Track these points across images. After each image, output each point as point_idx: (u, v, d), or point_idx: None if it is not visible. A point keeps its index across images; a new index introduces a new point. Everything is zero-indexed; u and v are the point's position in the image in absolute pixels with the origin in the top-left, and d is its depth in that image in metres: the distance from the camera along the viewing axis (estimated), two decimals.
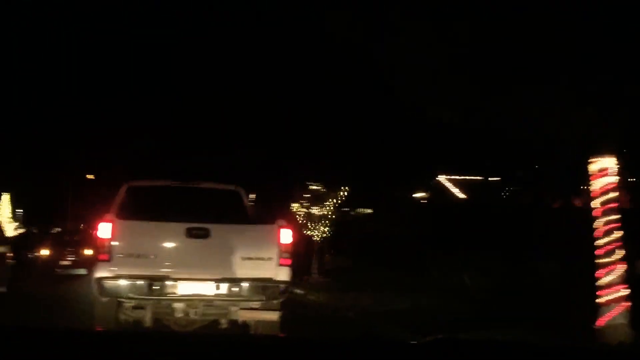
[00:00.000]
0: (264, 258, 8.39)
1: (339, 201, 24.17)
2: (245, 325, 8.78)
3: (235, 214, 9.47)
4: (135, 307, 8.48)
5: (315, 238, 24.13)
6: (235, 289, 8.19)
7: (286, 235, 8.47)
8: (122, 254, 8.18)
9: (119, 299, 8.38)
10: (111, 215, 8.48)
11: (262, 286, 8.25)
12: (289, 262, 8.51)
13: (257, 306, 8.50)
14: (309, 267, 23.76)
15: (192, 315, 8.31)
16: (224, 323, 8.71)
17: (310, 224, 24.05)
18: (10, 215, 66.53)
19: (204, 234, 8.26)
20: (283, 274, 8.45)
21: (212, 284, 8.15)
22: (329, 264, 25.55)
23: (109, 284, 8.09)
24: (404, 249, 23.48)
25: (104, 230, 8.15)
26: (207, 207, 9.47)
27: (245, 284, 8.19)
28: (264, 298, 8.32)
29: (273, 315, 8.41)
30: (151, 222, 8.59)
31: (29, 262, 27.04)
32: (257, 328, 8.62)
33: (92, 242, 9.91)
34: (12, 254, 18.52)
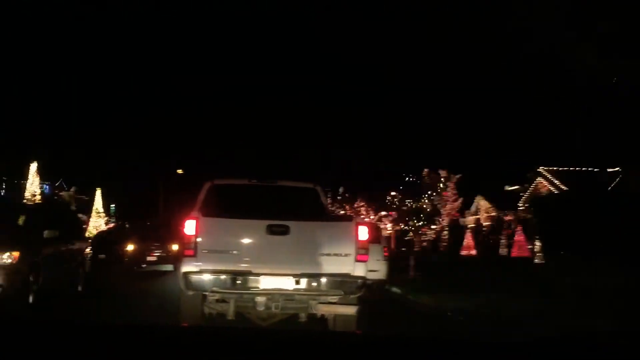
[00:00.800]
0: (341, 254, 8.52)
1: (437, 193, 22.60)
2: (323, 319, 9.10)
3: (313, 211, 9.80)
4: (219, 301, 8.72)
5: (410, 233, 22.64)
6: (314, 284, 8.38)
7: (363, 232, 8.62)
8: (206, 249, 8.45)
9: (203, 293, 8.64)
10: (196, 212, 8.75)
11: (340, 281, 8.39)
12: (366, 258, 8.64)
13: (335, 300, 8.66)
14: (406, 264, 22.33)
15: (273, 309, 8.51)
16: (303, 317, 8.99)
17: (407, 217, 22.58)
18: (103, 210, 67.94)
19: (284, 231, 8.48)
20: (360, 270, 8.56)
21: (292, 279, 8.34)
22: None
23: (195, 278, 8.39)
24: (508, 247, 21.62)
25: (190, 226, 8.43)
26: (287, 204, 9.89)
27: (323, 279, 8.37)
28: (342, 293, 8.46)
29: (350, 310, 8.61)
30: (233, 219, 8.84)
31: (117, 258, 26.69)
32: (335, 322, 8.96)
33: (178, 238, 10.08)
34: (90, 252, 18.18)
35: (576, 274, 16.21)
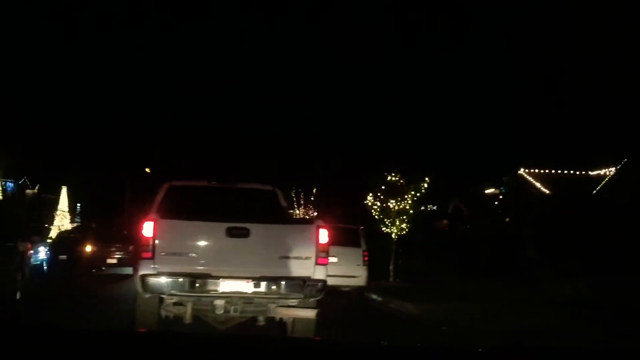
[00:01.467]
0: (302, 257, 8.47)
1: (419, 195, 21.18)
2: (282, 322, 9.08)
3: (273, 214, 9.80)
4: (176, 304, 8.70)
5: (393, 236, 21.19)
6: (274, 287, 8.35)
7: (324, 235, 8.56)
8: (164, 252, 8.33)
9: (161, 296, 8.59)
10: (154, 214, 8.69)
11: (300, 284, 8.36)
12: (326, 261, 8.60)
13: (294, 304, 8.65)
14: (386, 269, 20.89)
15: (232, 312, 8.47)
16: (261, 320, 8.93)
17: (386, 219, 21.11)
18: (68, 209, 65.87)
19: (244, 234, 8.41)
20: (320, 273, 8.52)
21: (252, 282, 8.29)
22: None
23: (152, 280, 8.26)
24: (495, 251, 20.34)
25: (147, 228, 8.34)
26: (246, 207, 9.92)
27: (283, 282, 8.35)
28: (302, 296, 8.43)
29: (310, 313, 8.61)
30: (193, 221, 8.74)
31: (78, 259, 24.91)
32: (294, 326, 8.97)
33: (136, 240, 9.77)
34: (31, 252, 16.98)
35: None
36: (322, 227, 8.67)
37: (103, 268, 21.31)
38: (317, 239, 8.53)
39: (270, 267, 8.44)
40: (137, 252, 9.20)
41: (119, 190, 57.52)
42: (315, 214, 54.65)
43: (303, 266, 8.43)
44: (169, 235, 8.50)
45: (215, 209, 9.55)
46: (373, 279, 18.60)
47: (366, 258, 17.37)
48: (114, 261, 21.08)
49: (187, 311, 8.65)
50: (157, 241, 8.34)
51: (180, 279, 8.22)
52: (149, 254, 8.30)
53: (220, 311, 8.48)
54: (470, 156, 41.66)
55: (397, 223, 21.29)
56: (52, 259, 25.99)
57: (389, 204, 21.14)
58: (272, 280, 8.34)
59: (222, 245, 8.50)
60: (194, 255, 8.46)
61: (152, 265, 8.30)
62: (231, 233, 8.40)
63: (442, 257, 29.10)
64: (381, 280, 20.38)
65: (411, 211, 21.39)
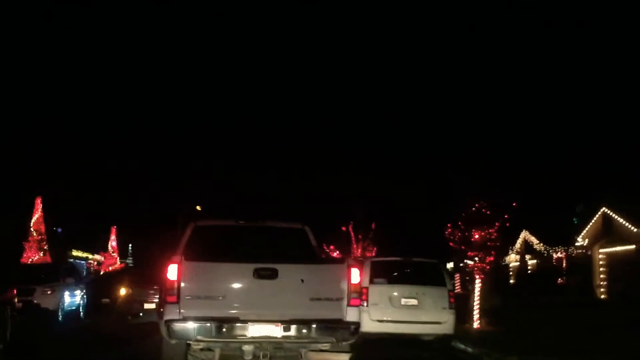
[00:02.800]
0: (333, 298, 8.20)
1: (506, 224, 17.95)
2: None
3: (302, 253, 9.56)
4: (203, 349, 8.51)
5: (477, 270, 17.93)
6: (304, 331, 8.03)
7: (355, 275, 8.28)
8: (189, 295, 8.10)
9: (187, 342, 8.36)
10: (178, 256, 8.36)
11: (332, 327, 8.07)
12: (359, 302, 8.33)
13: (326, 348, 8.40)
14: (466, 309, 17.64)
15: (261, 358, 8.23)
16: None
17: (469, 252, 17.88)
18: (118, 248, 63.73)
19: (271, 275, 8.14)
20: (353, 315, 8.20)
21: (281, 326, 7.97)
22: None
23: (178, 326, 8.00)
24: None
25: (172, 271, 8.12)
26: (274, 246, 9.58)
27: (314, 325, 8.01)
28: (334, 340, 8.17)
29: (343, 357, 8.44)
30: (218, 262, 8.51)
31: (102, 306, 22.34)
32: None
33: (161, 283, 8.99)
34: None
35: None
36: (354, 267, 8.38)
37: (141, 314, 18.49)
38: (349, 279, 8.24)
39: (300, 309, 8.18)
40: (161, 296, 8.85)
41: (171, 228, 55.89)
42: (374, 250, 51.89)
43: (334, 308, 8.18)
44: (194, 278, 8.23)
45: (242, 249, 9.28)
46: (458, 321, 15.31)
47: (452, 299, 14.20)
48: (153, 306, 18.37)
49: (215, 356, 8.56)
50: (182, 284, 8.09)
51: (207, 324, 7.98)
52: (174, 298, 8.07)
53: (249, 357, 8.27)
54: (537, 178, 37.66)
55: (482, 256, 18.02)
56: (91, 303, 23.55)
57: (473, 233, 17.92)
58: (303, 323, 8.05)
59: (250, 287, 8.23)
60: (220, 298, 8.22)
61: (177, 310, 8.05)
62: (259, 274, 8.15)
63: (515, 291, 25.58)
64: (464, 324, 17.04)
65: (497, 243, 18.11)
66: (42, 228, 43.11)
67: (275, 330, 8.03)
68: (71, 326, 19.18)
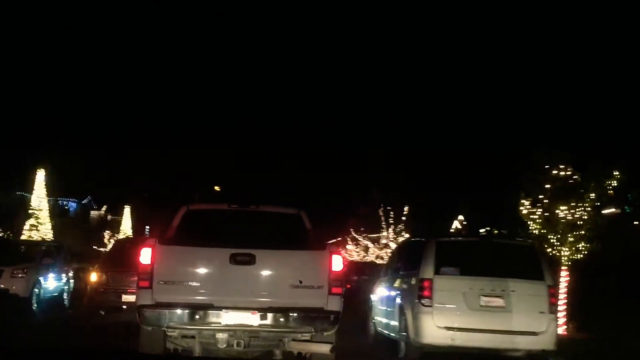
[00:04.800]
0: (313, 286, 7.95)
1: (605, 197, 13.56)
2: (301, 356, 8.46)
3: (291, 239, 8.83)
4: (184, 336, 8.13)
5: (564, 260, 13.55)
6: (282, 319, 7.79)
7: (337, 262, 8.08)
8: (163, 280, 7.92)
9: (159, 328, 8.01)
10: (153, 240, 8.26)
11: (310, 317, 7.83)
12: (340, 290, 8.03)
13: (307, 337, 8.07)
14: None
15: (235, 347, 7.91)
16: (278, 355, 8.36)
17: (553, 235, 13.50)
18: (132, 231, 60.23)
19: (249, 260, 7.95)
20: (334, 304, 7.94)
21: (258, 314, 7.76)
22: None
23: (149, 312, 7.81)
24: None
25: (145, 255, 7.98)
26: (263, 231, 9.04)
27: (292, 314, 7.79)
28: (312, 329, 7.90)
29: (324, 348, 7.98)
30: (194, 247, 8.28)
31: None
32: None
33: (135, 267, 8.41)
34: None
35: None
36: (336, 253, 8.22)
37: (124, 307, 14.18)
38: (330, 266, 8.01)
39: (278, 297, 7.91)
40: (136, 281, 8.43)
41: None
42: (406, 234, 47.79)
43: (315, 296, 7.91)
44: (168, 263, 8.05)
45: (231, 234, 8.67)
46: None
47: (554, 299, 9.91)
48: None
49: (196, 344, 8.13)
50: (155, 269, 7.92)
51: (179, 311, 7.75)
52: (147, 283, 7.90)
53: (222, 345, 7.93)
54: None
55: (571, 240, 13.63)
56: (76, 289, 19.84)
57: (556, 211, 13.53)
58: (280, 311, 7.80)
59: (226, 273, 7.97)
60: (195, 284, 7.97)
61: (150, 295, 7.86)
62: (235, 260, 7.91)
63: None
64: None
65: (590, 223, 13.73)
66: None
67: (251, 319, 7.81)
68: (49, 317, 15.65)
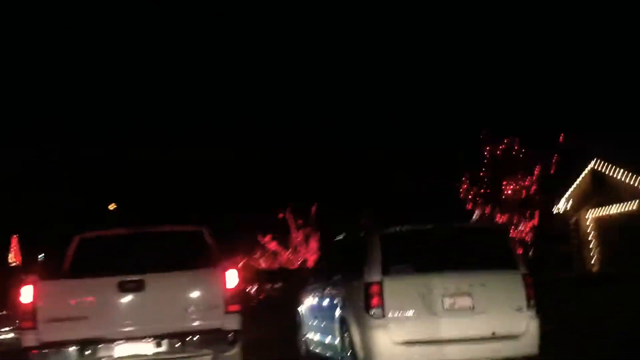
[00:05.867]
0: (208, 306, 7.72)
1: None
2: None
3: (191, 259, 8.41)
4: None
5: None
6: (178, 344, 7.52)
7: (232, 278, 7.83)
8: (48, 318, 7.49)
9: None
10: (33, 276, 7.86)
11: (208, 339, 7.58)
12: (238, 307, 7.79)
13: None
14: None
15: None
16: None
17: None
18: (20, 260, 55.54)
19: (137, 287, 7.63)
20: (231, 322, 7.74)
21: (152, 342, 7.49)
22: None
23: (34, 355, 7.43)
24: None
25: (26, 294, 7.55)
26: (160, 253, 8.57)
27: (187, 338, 7.53)
28: (211, 352, 7.68)
29: None
30: (78, 279, 7.97)
31: None
32: None
33: (17, 306, 8.39)
34: None
35: None
36: (229, 269, 7.90)
37: None
38: (224, 284, 7.77)
39: (173, 322, 7.61)
40: (20, 321, 8.34)
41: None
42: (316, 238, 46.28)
43: (210, 317, 7.66)
44: (52, 299, 7.62)
45: (124, 259, 8.29)
46: None
47: (532, 291, 7.99)
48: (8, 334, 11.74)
49: None
50: (38, 307, 7.47)
51: (68, 349, 7.37)
52: (29, 323, 7.49)
53: None
54: None
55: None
56: None
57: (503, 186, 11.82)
58: (174, 337, 7.51)
59: (116, 302, 7.64)
60: (84, 318, 7.56)
61: (34, 336, 7.45)
62: (124, 287, 7.61)
63: None
64: None
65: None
66: None
67: (145, 348, 7.50)
68: None
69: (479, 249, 8.20)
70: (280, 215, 45.22)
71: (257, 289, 33.85)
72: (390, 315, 7.70)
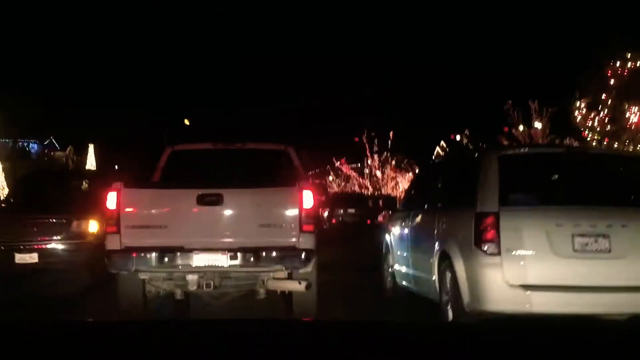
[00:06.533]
0: (283, 225, 7.74)
1: None
2: (286, 295, 8.24)
3: (273, 176, 9.14)
4: (165, 279, 7.95)
5: None
6: (251, 259, 7.55)
7: (308, 198, 7.77)
8: (130, 224, 7.78)
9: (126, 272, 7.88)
10: (118, 183, 7.93)
11: (280, 255, 7.60)
12: (312, 227, 7.70)
13: (282, 276, 7.87)
14: None
15: (205, 288, 7.75)
16: (261, 294, 8.07)
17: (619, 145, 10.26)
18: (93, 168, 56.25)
19: (216, 200, 7.71)
20: (306, 241, 7.67)
21: (227, 254, 7.57)
22: None
23: (116, 257, 7.67)
24: None
25: (111, 199, 7.81)
26: (243, 170, 9.57)
27: (261, 253, 7.56)
28: (283, 268, 7.76)
29: (297, 286, 7.78)
30: (160, 189, 8.55)
31: None
32: (293, 300, 8.12)
33: (102, 213, 8.49)
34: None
35: None
36: (306, 189, 7.83)
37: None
38: (301, 203, 7.72)
39: (248, 236, 7.76)
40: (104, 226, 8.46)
41: (157, 146, 49.00)
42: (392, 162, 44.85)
43: (285, 234, 7.69)
44: (135, 206, 7.92)
45: (214, 174, 9.20)
46: None
47: None
48: (32, 259, 10.25)
49: (176, 287, 7.96)
50: (122, 213, 7.73)
51: (147, 254, 7.58)
52: (114, 228, 7.76)
53: (193, 287, 7.77)
54: None
55: None
56: None
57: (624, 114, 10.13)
58: (249, 251, 7.60)
59: (195, 214, 7.81)
60: (164, 226, 7.81)
61: (118, 240, 7.70)
62: (202, 200, 7.71)
63: None
64: None
65: None
66: None
67: (220, 259, 7.62)
68: None
69: (622, 182, 6.75)
70: (356, 139, 44.02)
71: (329, 212, 32.93)
72: (506, 252, 6.39)
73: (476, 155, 7.33)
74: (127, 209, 7.78)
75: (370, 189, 45.02)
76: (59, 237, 10.50)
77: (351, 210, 33.03)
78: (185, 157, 9.77)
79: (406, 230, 8.95)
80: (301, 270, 7.78)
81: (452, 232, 7.22)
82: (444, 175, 8.32)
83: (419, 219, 8.51)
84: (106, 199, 7.82)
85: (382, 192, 43.60)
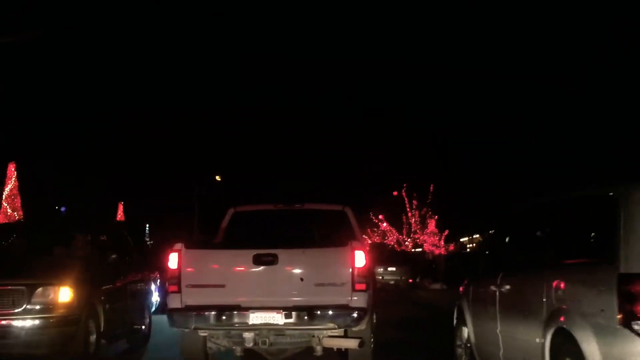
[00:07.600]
0: (337, 283, 7.97)
1: None
2: (341, 351, 8.65)
3: (327, 236, 10.00)
4: (226, 336, 8.31)
5: None
6: (305, 317, 7.84)
7: (360, 258, 8.03)
8: (190, 284, 8.13)
9: (187, 330, 8.29)
10: (180, 244, 8.38)
11: (333, 313, 7.84)
12: (364, 286, 7.95)
13: (336, 334, 8.13)
14: None
15: (260, 345, 8.04)
16: (318, 351, 8.32)
17: None
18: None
19: (272, 260, 8.00)
20: (359, 300, 7.90)
21: (282, 313, 7.86)
22: None
23: (177, 315, 8.03)
24: None
25: (173, 260, 8.18)
26: (302, 229, 10.02)
27: (316, 312, 7.84)
28: (336, 326, 7.96)
29: (353, 343, 8.14)
30: (218, 250, 9.10)
31: None
32: (351, 356, 8.47)
33: (165, 273, 9.32)
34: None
35: None
36: (358, 249, 8.06)
37: None
38: (353, 262, 7.96)
39: (302, 295, 7.97)
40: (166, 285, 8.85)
41: (188, 202, 48.06)
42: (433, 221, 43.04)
43: (338, 293, 7.90)
44: (195, 266, 8.24)
45: (273, 234, 9.65)
46: None
47: None
48: None
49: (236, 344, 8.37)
50: (182, 273, 8.08)
51: (206, 313, 7.93)
52: (175, 287, 8.09)
53: (249, 344, 8.09)
54: None
55: None
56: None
57: None
58: (303, 310, 7.85)
59: (251, 274, 8.13)
60: (222, 286, 8.13)
61: (178, 299, 8.03)
62: (258, 260, 8.01)
63: None
64: None
65: None
66: (18, 201, 35.48)
67: (276, 317, 7.87)
68: None
69: None
70: (395, 193, 42.17)
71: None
72: None
73: (603, 195, 5.36)
74: (188, 269, 8.09)
75: (410, 245, 43.02)
76: (16, 310, 8.35)
77: (391, 269, 30.76)
78: (246, 218, 10.28)
79: (495, 298, 6.91)
80: (355, 328, 8.00)
81: (573, 302, 5.23)
82: (552, 224, 6.30)
83: (515, 283, 6.51)
84: (168, 260, 8.10)
85: (423, 249, 41.68)
